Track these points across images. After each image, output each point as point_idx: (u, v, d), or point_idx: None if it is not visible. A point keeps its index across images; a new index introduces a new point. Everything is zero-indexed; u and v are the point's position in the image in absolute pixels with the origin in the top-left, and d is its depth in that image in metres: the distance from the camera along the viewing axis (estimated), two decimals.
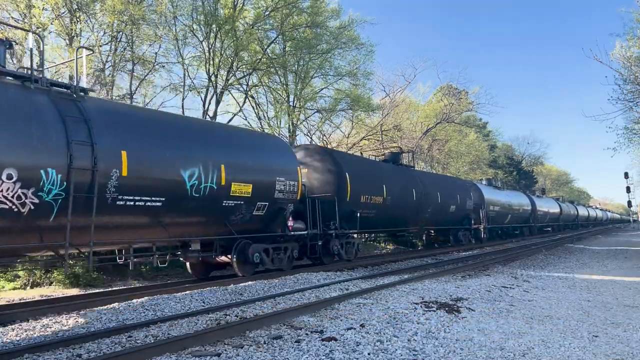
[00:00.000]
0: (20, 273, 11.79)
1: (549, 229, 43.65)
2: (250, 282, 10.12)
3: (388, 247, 24.88)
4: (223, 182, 10.00)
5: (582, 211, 61.08)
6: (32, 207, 6.90)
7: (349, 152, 24.51)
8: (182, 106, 20.89)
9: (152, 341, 5.37)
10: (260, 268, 11.43)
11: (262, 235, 11.49)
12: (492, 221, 27.39)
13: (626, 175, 46.61)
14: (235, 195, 10.38)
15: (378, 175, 16.93)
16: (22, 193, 6.76)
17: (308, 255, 13.37)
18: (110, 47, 18.01)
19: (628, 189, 48.82)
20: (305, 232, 12.88)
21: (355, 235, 15.96)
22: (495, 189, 30.67)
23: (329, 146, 20.14)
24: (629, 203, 52.59)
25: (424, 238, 24.74)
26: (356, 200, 14.85)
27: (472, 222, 24.21)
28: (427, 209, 19.79)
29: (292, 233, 12.28)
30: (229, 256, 10.94)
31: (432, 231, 23.54)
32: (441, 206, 21.02)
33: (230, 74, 21.36)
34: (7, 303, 8.60)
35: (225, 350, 5.00)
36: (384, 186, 16.55)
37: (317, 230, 13.28)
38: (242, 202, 10.61)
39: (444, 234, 23.69)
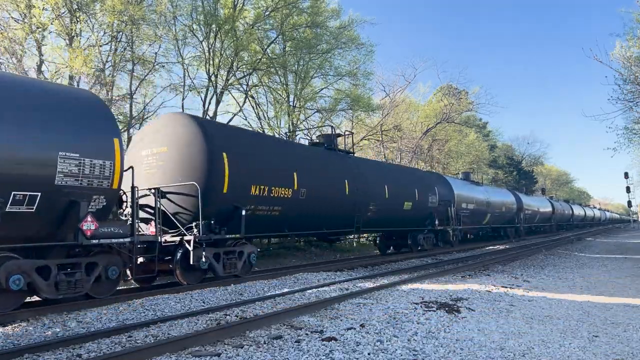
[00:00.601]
0: None
1: (540, 230, 41.28)
2: (250, 282, 10.11)
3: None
4: None
5: (578, 211, 58.92)
6: None
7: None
8: (182, 106, 20.97)
9: (152, 341, 5.37)
10: (48, 296, 7.32)
11: (32, 245, 7.25)
12: (466, 221, 23.61)
13: (626, 175, 46.76)
14: None
15: (285, 160, 12.61)
16: None
17: (134, 276, 9.18)
18: (110, 47, 18.07)
19: (628, 189, 48.98)
20: (128, 239, 8.39)
21: (258, 242, 12.09)
22: (471, 184, 26.71)
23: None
24: (629, 203, 52.75)
25: (377, 242, 20.69)
26: (241, 192, 10.74)
27: (437, 222, 20.35)
28: (369, 207, 15.70)
29: (96, 241, 7.77)
30: None
31: (385, 234, 19.65)
32: (390, 203, 16.81)
33: (230, 74, 21.39)
34: None
35: (225, 350, 5.00)
36: (295, 174, 12.35)
37: (156, 236, 9.30)
38: None
39: (401, 236, 19.43)
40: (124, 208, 9.64)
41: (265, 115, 25.00)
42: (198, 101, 21.99)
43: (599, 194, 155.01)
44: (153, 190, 9.80)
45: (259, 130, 23.92)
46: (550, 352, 5.15)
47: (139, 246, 8.98)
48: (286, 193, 12.07)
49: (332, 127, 18.51)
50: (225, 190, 10.31)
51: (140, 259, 9.28)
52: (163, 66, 20.27)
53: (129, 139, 15.98)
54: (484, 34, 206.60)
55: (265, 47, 22.67)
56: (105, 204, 8.01)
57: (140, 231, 9.50)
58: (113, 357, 4.56)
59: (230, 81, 21.62)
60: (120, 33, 17.81)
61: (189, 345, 5.09)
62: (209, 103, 20.89)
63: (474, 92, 40.61)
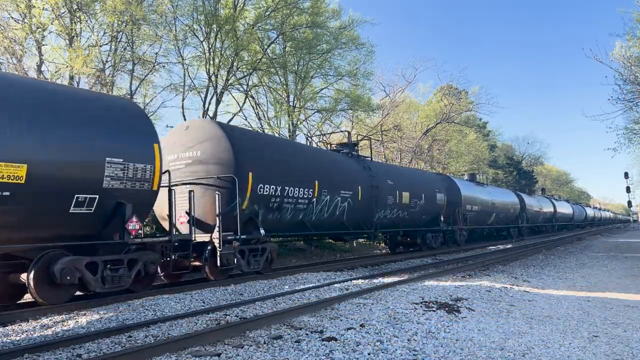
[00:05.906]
0: None
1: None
2: (250, 282, 10.12)
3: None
4: None
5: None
6: None
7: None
8: (182, 106, 20.95)
9: (152, 341, 5.37)
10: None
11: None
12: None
13: (626, 175, 46.67)
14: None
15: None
16: None
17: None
18: (110, 47, 18.04)
19: (628, 189, 48.89)
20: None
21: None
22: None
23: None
24: (629, 203, 52.71)
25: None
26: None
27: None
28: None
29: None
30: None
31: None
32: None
33: (231, 74, 21.38)
34: (7, 303, 8.59)
35: (225, 350, 5.00)
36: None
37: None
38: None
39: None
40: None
41: (265, 115, 24.99)
42: (198, 101, 22.06)
43: (599, 194, 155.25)
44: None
45: (258, 130, 23.93)
46: (550, 352, 5.15)
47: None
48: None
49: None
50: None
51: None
52: (163, 66, 20.29)
53: None
54: (484, 34, 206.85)
55: (266, 47, 22.66)
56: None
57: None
58: (113, 357, 4.56)
59: (230, 81, 21.61)
60: (121, 33, 17.80)
61: (189, 345, 5.09)
62: (209, 103, 20.90)
63: (474, 92, 40.62)
